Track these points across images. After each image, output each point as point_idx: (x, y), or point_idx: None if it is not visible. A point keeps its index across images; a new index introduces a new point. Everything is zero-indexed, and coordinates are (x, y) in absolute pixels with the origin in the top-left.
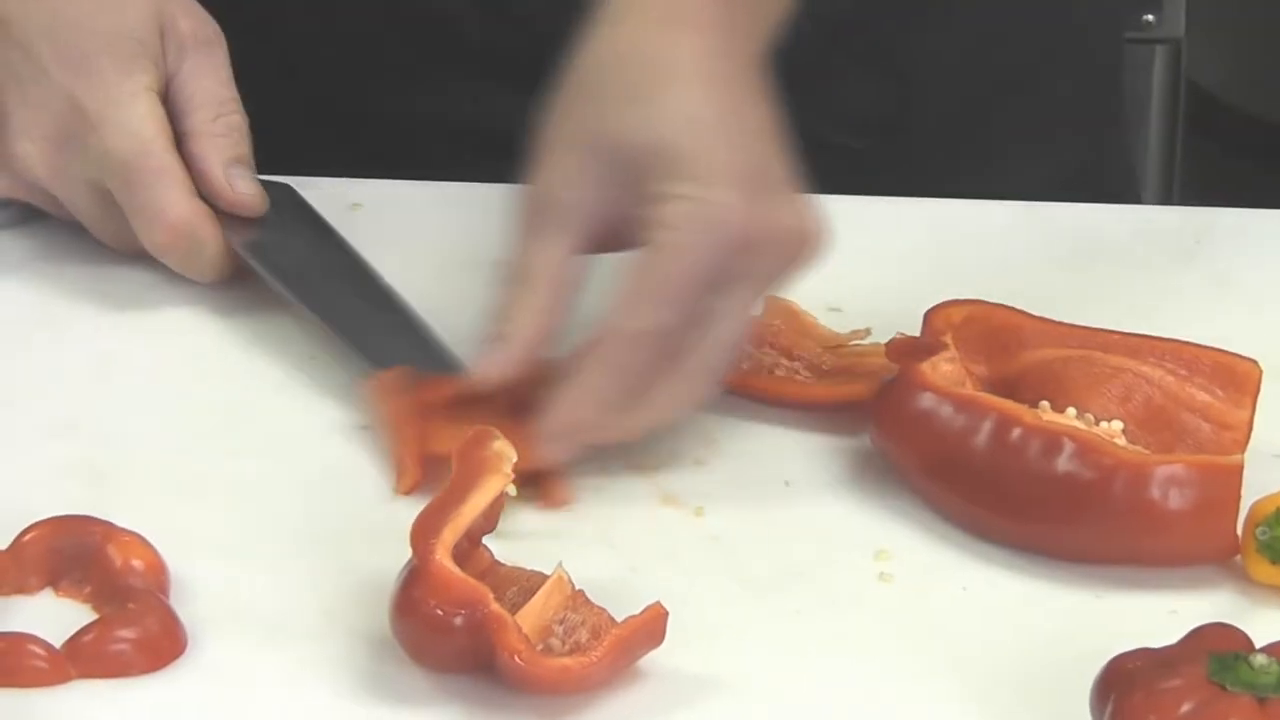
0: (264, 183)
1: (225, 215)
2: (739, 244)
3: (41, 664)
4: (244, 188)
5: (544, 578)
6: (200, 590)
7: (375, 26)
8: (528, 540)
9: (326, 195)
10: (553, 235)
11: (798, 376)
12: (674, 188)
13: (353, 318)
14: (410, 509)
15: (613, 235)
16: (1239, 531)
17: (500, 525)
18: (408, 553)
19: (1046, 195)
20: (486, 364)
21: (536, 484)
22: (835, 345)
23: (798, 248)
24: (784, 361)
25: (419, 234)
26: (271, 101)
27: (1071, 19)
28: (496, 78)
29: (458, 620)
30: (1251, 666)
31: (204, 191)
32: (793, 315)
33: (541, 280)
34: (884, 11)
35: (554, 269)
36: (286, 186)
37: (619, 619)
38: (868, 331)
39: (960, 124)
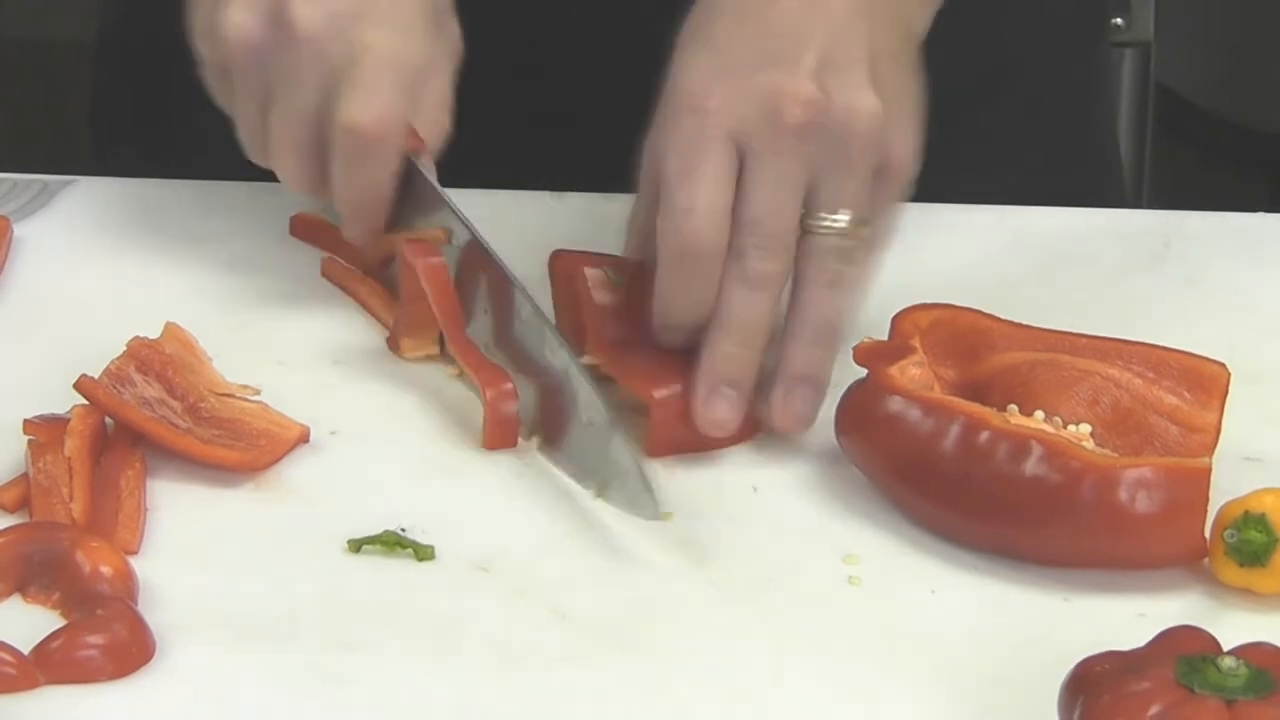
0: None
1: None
2: (706, 116)
3: (10, 670)
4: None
5: None
6: (168, 596)
7: None
8: (497, 540)
9: (295, 199)
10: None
11: (174, 419)
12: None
13: None
14: (363, 521)
15: None
16: (1207, 534)
17: (473, 539)
18: (371, 559)
19: (1018, 199)
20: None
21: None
22: (223, 392)
23: (836, 122)
24: (167, 397)
25: None
26: None
27: (1045, 24)
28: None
29: None
30: (1219, 669)
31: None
32: (186, 346)
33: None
34: None
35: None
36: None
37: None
38: (257, 390)
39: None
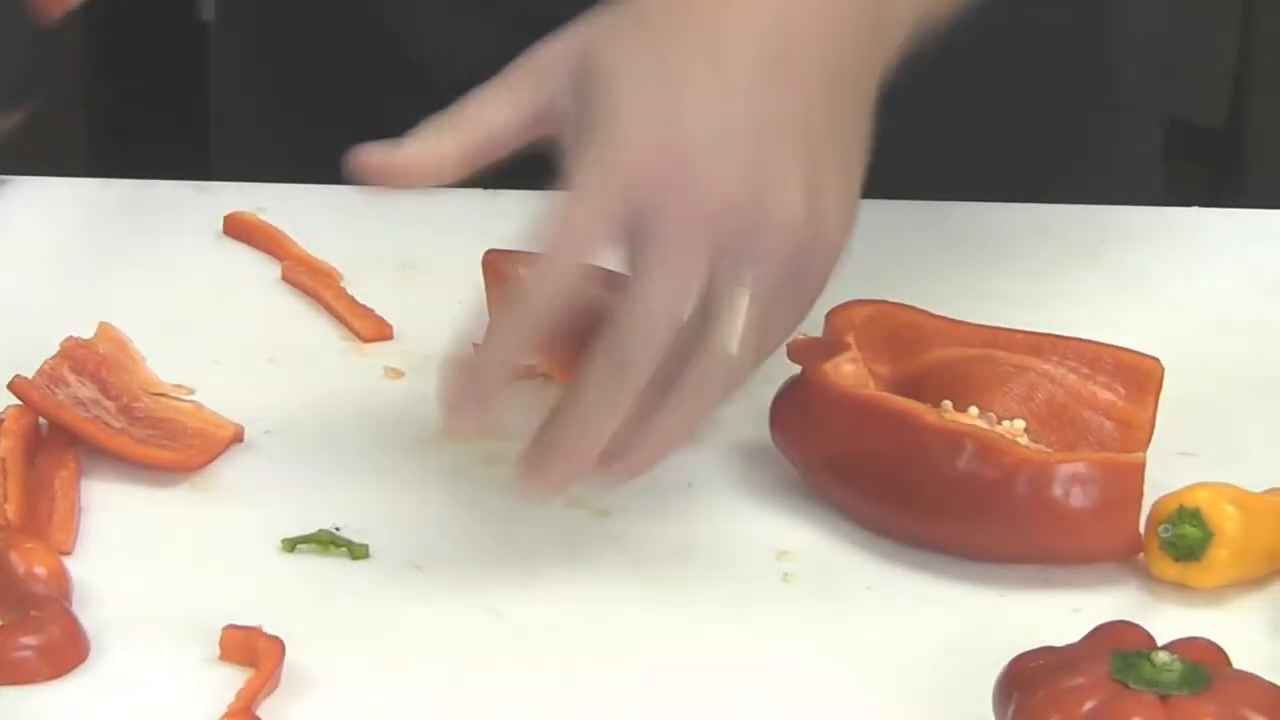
0: None
1: None
2: (650, 196)
3: None
4: None
5: None
6: (103, 597)
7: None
8: (431, 538)
9: (229, 198)
10: None
11: (108, 419)
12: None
13: None
14: (298, 520)
15: None
16: (1142, 529)
17: (407, 538)
18: (306, 558)
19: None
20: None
21: None
22: (157, 392)
23: (770, 233)
24: (101, 397)
25: (322, 237)
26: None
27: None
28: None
29: None
30: (1154, 664)
31: None
32: (120, 346)
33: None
34: None
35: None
36: None
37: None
38: (191, 390)
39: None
